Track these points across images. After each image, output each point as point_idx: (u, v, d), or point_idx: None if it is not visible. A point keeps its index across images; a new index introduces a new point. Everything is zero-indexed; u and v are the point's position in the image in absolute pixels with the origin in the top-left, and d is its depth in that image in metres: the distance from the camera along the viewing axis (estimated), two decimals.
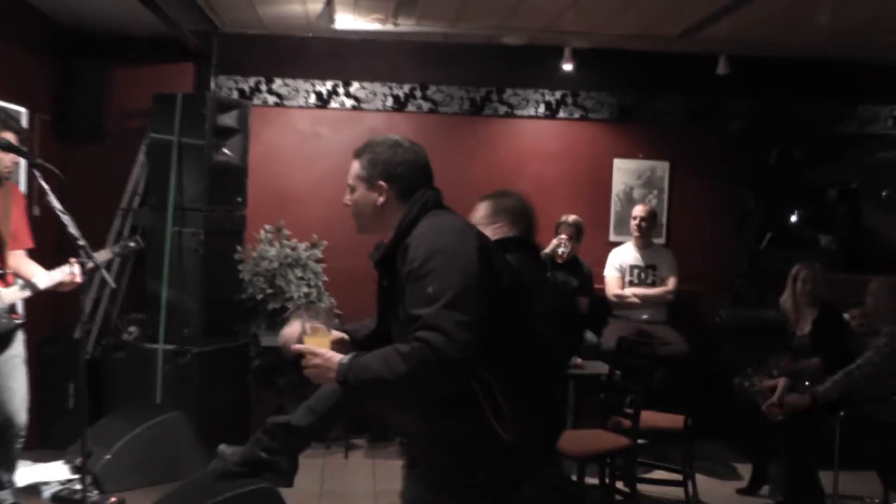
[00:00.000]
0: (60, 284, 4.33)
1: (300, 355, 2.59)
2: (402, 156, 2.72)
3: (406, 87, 7.11)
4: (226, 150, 6.24)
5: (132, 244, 4.94)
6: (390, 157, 2.70)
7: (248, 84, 7.01)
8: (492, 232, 3.50)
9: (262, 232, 6.67)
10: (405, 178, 2.69)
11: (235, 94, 6.95)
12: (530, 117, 7.25)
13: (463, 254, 2.47)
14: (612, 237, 7.30)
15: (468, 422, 2.48)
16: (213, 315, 6.05)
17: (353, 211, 2.75)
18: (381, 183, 2.68)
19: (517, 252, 3.42)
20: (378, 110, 7.08)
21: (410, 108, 7.11)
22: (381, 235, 2.72)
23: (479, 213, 3.63)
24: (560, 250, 6.25)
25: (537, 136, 7.28)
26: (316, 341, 2.63)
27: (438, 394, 2.45)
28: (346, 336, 2.86)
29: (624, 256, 6.86)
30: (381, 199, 2.68)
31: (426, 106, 7.13)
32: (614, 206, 7.33)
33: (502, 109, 7.22)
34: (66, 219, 3.81)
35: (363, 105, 7.07)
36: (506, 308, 2.53)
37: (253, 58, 6.99)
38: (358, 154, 2.74)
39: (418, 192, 2.68)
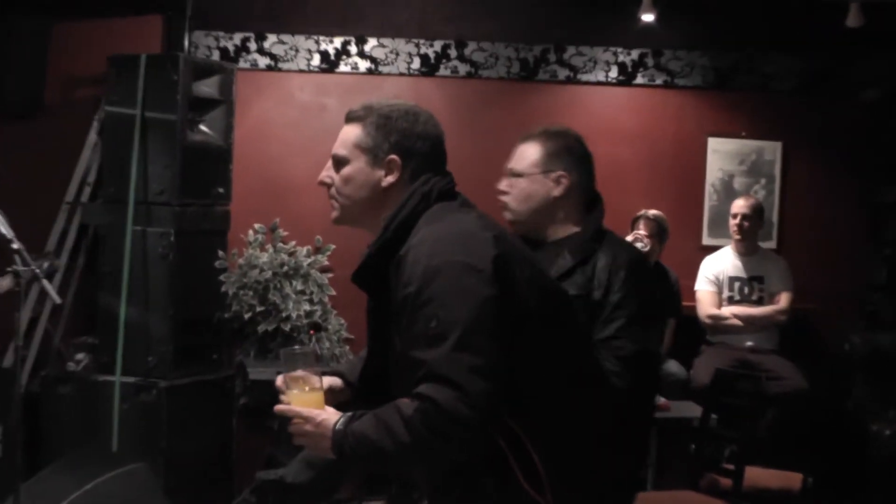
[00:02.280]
0: None
1: (286, 418, 2.60)
2: (423, 127, 2.68)
3: (437, 45, 7.10)
4: (204, 128, 6.24)
5: (46, 264, 4.88)
6: (409, 126, 2.65)
7: (232, 42, 7.02)
8: (552, 185, 3.38)
9: (250, 233, 6.67)
10: (424, 157, 2.65)
11: (217, 56, 6.96)
12: (599, 83, 7.23)
13: (472, 271, 2.42)
14: (706, 240, 7.28)
15: (494, 488, 2.48)
16: (187, 339, 6.05)
17: (336, 191, 2.69)
18: (394, 157, 2.63)
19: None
20: (401, 74, 7.07)
21: (443, 71, 7.10)
22: (372, 232, 2.68)
23: (527, 160, 3.43)
24: (637, 246, 6.16)
25: (608, 107, 7.25)
26: (305, 399, 2.61)
27: (453, 460, 2.46)
28: (338, 380, 2.86)
29: (721, 265, 6.84)
30: (388, 180, 2.63)
31: (463, 69, 7.12)
32: (709, 200, 7.32)
33: (562, 73, 7.19)
34: None
35: (382, 68, 7.07)
36: (538, 334, 2.50)
37: (239, 8, 7.00)
38: (356, 117, 2.68)
39: (420, 180, 2.63)
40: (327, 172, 2.69)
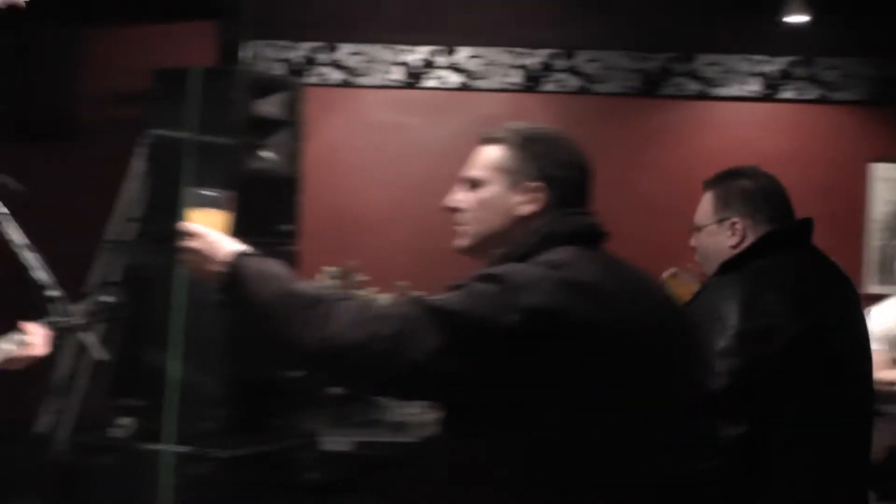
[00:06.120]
0: (10, 361, 4.42)
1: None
2: (570, 156, 2.80)
3: (541, 55, 7.21)
4: (266, 153, 6.31)
5: (109, 299, 4.95)
6: (555, 153, 2.78)
7: (299, 53, 7.18)
8: (725, 237, 3.54)
9: (321, 276, 6.76)
10: (569, 187, 2.77)
11: (281, 69, 7.09)
12: (736, 99, 7.29)
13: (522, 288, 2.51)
14: (872, 288, 7.26)
15: None
16: (246, 402, 6.08)
17: (468, 216, 2.81)
18: (538, 184, 2.74)
19: (781, 260, 3.49)
20: (498, 90, 7.16)
21: (548, 86, 7.19)
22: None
23: (701, 212, 3.65)
24: None
25: (747, 127, 7.31)
26: (205, 217, 2.69)
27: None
28: None
29: (892, 319, 6.69)
30: (528, 209, 2.73)
31: (573, 83, 7.21)
32: (873, 239, 7.34)
33: (691, 87, 7.27)
34: (29, 257, 3.84)
35: (475, 82, 7.18)
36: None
37: (307, 14, 7.11)
38: (496, 138, 2.81)
39: (556, 213, 2.73)
40: (459, 196, 2.82)
